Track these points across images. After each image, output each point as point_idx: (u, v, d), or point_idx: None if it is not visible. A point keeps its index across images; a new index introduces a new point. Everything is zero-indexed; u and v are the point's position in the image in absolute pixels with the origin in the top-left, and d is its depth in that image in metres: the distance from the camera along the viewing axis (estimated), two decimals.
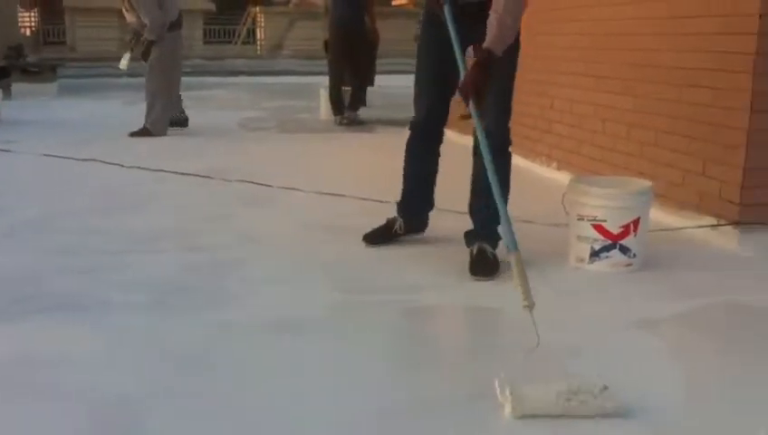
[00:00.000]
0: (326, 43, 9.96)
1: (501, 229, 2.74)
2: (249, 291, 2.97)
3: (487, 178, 2.85)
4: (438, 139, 3.54)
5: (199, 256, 3.40)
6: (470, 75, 2.93)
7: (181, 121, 7.46)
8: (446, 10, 3.07)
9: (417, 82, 3.48)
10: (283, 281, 3.11)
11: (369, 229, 3.60)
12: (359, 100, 8.78)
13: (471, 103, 2.91)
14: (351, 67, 8.52)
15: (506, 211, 2.72)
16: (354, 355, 2.42)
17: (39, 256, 3.41)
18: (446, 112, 3.47)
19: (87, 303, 2.83)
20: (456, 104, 3.35)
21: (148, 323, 2.65)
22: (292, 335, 2.56)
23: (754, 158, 3.38)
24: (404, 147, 3.58)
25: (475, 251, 3.21)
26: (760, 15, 3.29)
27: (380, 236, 3.58)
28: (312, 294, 2.96)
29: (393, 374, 2.30)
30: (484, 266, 3.15)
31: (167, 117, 7.18)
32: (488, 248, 3.21)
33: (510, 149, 3.30)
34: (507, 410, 1.99)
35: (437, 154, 3.56)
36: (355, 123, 8.35)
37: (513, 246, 2.52)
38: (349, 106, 8.62)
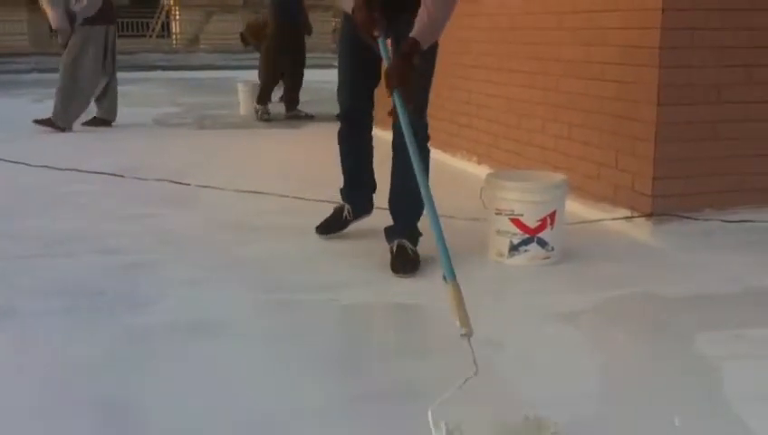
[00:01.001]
0: (243, 36, 9.83)
1: (440, 254, 2.60)
2: (165, 293, 2.90)
3: (408, 174, 2.82)
4: (368, 126, 3.57)
5: (112, 259, 3.29)
6: (394, 65, 2.90)
7: (105, 122, 7.36)
8: (381, 43, 3.03)
9: (340, 74, 3.49)
10: (200, 282, 3.04)
11: (291, 225, 3.57)
12: (294, 99, 8.68)
13: (395, 96, 2.89)
14: (292, 63, 8.40)
15: (442, 236, 2.54)
16: (272, 356, 2.38)
17: None
18: (371, 102, 3.47)
19: None
20: (384, 99, 3.34)
21: (59, 330, 2.55)
22: (210, 338, 2.50)
23: (664, 150, 3.47)
24: (328, 142, 3.59)
25: (395, 248, 3.21)
26: (663, 10, 3.37)
27: (332, 225, 3.59)
28: (229, 295, 2.90)
29: (311, 374, 2.26)
30: (404, 264, 3.14)
31: (73, 110, 7.03)
32: (408, 245, 3.20)
33: (428, 144, 3.31)
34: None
35: (369, 139, 3.60)
36: (299, 117, 8.33)
37: (451, 275, 2.37)
38: (285, 105, 8.51)
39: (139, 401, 2.07)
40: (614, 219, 3.68)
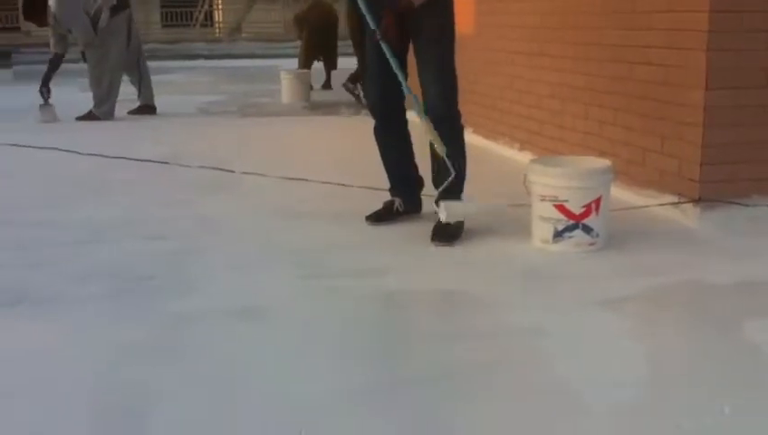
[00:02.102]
0: (298, 24, 9.95)
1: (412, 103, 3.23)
2: (210, 278, 2.94)
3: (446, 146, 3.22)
4: (400, 120, 3.57)
5: (159, 245, 3.34)
6: (384, 21, 3.22)
7: (150, 109, 7.48)
8: (384, 46, 3.24)
9: (368, 67, 3.53)
10: (244, 267, 3.07)
11: (335, 212, 3.66)
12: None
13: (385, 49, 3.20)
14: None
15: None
16: (316, 341, 2.40)
17: None
18: (400, 95, 3.46)
19: (42, 297, 2.77)
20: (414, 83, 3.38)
21: (107, 315, 2.60)
22: (255, 322, 2.53)
23: (711, 135, 3.41)
24: (366, 129, 3.61)
25: (436, 223, 3.32)
26: None
27: (382, 216, 3.61)
28: (274, 280, 2.93)
29: (354, 359, 2.28)
30: (443, 233, 3.27)
31: (110, 100, 7.16)
32: None
33: (460, 121, 3.41)
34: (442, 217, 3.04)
35: (405, 135, 3.61)
36: (353, 95, 8.43)
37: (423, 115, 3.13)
38: (351, 78, 8.63)
39: (185, 385, 2.10)
40: (660, 205, 3.63)
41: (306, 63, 9.90)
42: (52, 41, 7.14)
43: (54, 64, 7.14)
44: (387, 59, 3.31)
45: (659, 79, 3.67)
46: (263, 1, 23.94)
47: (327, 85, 10.15)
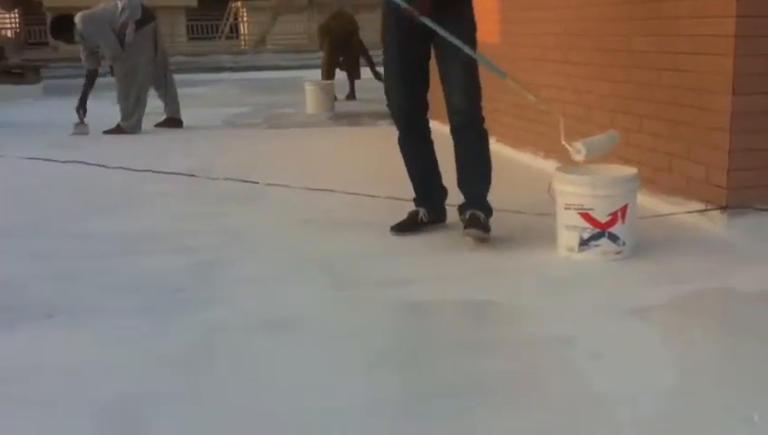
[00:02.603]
0: (321, 34, 10.07)
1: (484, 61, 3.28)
2: (239, 290, 2.96)
3: (472, 152, 3.40)
4: (423, 130, 3.60)
5: (188, 257, 3.38)
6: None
7: (176, 122, 7.55)
8: (427, 21, 3.24)
9: (387, 77, 3.55)
10: (273, 279, 3.10)
11: (361, 222, 3.70)
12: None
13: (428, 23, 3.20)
14: None
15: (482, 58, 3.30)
16: (345, 352, 2.41)
17: (25, 262, 3.38)
18: (423, 103, 3.53)
19: (75, 308, 2.82)
20: (437, 94, 3.40)
21: (139, 327, 2.64)
22: (282, 333, 2.55)
23: (739, 141, 3.38)
24: (392, 139, 3.64)
25: (467, 216, 3.41)
26: None
27: (406, 226, 3.62)
28: (300, 291, 2.95)
29: (384, 369, 2.29)
30: (477, 225, 3.34)
31: (137, 114, 7.25)
32: (480, 214, 3.40)
33: (484, 126, 3.46)
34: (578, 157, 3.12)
35: (429, 145, 3.63)
36: None
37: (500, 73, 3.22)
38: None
39: (216, 396, 2.13)
40: (687, 212, 3.61)
41: (329, 74, 9.97)
42: (83, 57, 7.25)
43: (90, 80, 7.24)
44: (408, 66, 3.40)
45: (686, 85, 3.65)
46: (287, 13, 24.09)
47: (351, 96, 10.21)
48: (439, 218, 3.68)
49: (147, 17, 7.24)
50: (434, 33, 3.26)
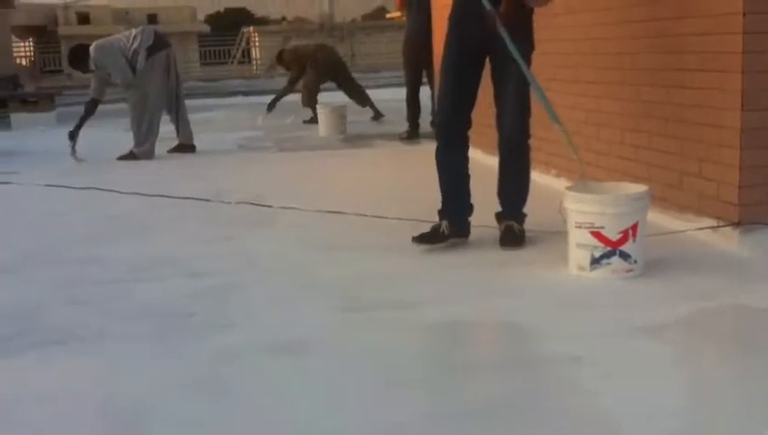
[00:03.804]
0: (298, 62, 10.40)
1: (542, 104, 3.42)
2: (251, 314, 2.97)
3: (513, 164, 3.67)
4: (464, 144, 3.72)
5: (200, 282, 3.39)
6: (504, 5, 3.38)
7: (189, 148, 7.60)
8: (503, 33, 3.36)
9: (443, 86, 3.67)
10: (284, 302, 3.11)
11: (373, 244, 3.79)
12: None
13: (505, 35, 3.32)
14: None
15: (542, 93, 3.43)
16: (360, 374, 2.41)
17: (38, 288, 3.40)
18: (470, 121, 3.66)
19: (87, 334, 2.83)
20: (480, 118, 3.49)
21: (149, 352, 2.65)
22: (296, 357, 2.56)
23: (750, 157, 3.37)
24: (403, 161, 3.70)
25: (503, 228, 3.66)
26: (744, 14, 3.29)
27: (427, 238, 3.66)
28: (316, 314, 2.95)
29: (399, 391, 2.29)
30: (511, 239, 3.60)
31: (150, 140, 7.30)
32: (515, 225, 3.64)
33: (529, 142, 3.68)
34: None
35: (466, 158, 3.74)
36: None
37: (555, 119, 3.36)
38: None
39: (228, 422, 2.13)
40: (699, 229, 3.59)
41: (312, 101, 10.11)
42: (93, 85, 7.33)
43: (89, 111, 7.31)
44: (463, 81, 3.57)
45: (695, 102, 3.65)
46: (298, 37, 24.29)
47: (377, 115, 10.27)
48: (463, 233, 3.71)
49: (160, 44, 7.31)
50: (490, 51, 3.44)
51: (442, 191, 3.73)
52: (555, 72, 5.04)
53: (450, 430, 2.03)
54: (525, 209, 3.72)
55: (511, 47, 3.33)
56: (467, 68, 3.60)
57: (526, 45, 3.52)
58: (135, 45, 7.14)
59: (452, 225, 3.66)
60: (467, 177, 3.74)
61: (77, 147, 7.25)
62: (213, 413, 2.18)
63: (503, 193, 3.73)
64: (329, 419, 2.12)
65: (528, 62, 3.51)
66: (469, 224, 3.73)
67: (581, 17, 4.69)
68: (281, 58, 10.96)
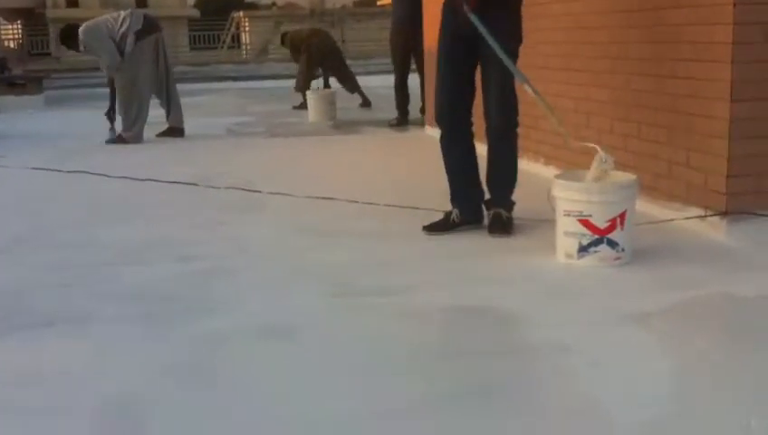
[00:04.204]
0: (295, 48, 10.36)
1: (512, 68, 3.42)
2: (240, 299, 2.97)
3: (501, 153, 3.64)
4: (466, 132, 3.71)
5: (188, 266, 3.39)
6: None
7: (178, 131, 7.57)
8: (473, 18, 3.38)
9: (439, 78, 3.66)
10: (272, 287, 3.11)
11: (364, 230, 3.75)
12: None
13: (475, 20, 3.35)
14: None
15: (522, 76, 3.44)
16: (349, 359, 2.42)
17: (25, 270, 3.40)
18: (468, 106, 3.66)
19: (75, 316, 2.83)
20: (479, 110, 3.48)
21: (137, 335, 2.65)
22: (284, 342, 2.56)
23: (738, 147, 3.39)
24: (397, 147, 3.70)
25: (491, 215, 3.67)
26: (734, 4, 3.30)
27: (437, 226, 3.69)
28: (302, 299, 2.96)
29: (384, 376, 2.30)
30: (500, 227, 3.60)
31: (139, 124, 7.28)
32: (503, 212, 3.65)
33: (517, 130, 3.68)
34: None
35: (470, 146, 3.74)
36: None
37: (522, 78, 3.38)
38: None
39: (216, 406, 2.13)
40: (687, 219, 3.61)
41: (307, 85, 10.08)
42: (102, 65, 7.34)
43: (113, 89, 7.33)
44: (457, 68, 3.56)
45: (685, 92, 3.67)
46: (289, 22, 24.19)
47: (366, 103, 10.26)
48: (476, 219, 3.74)
49: (150, 28, 7.27)
50: (479, 37, 3.40)
51: (449, 179, 3.76)
52: (546, 61, 5.05)
53: (438, 416, 2.04)
54: (513, 197, 3.73)
55: (483, 32, 3.34)
56: (457, 55, 3.60)
57: (508, 37, 3.50)
58: (123, 29, 7.10)
59: (462, 212, 3.70)
60: (474, 165, 3.75)
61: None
62: (201, 396, 2.19)
63: (491, 181, 3.75)
64: (316, 404, 2.13)
65: (515, 55, 3.52)
66: (482, 209, 3.76)
67: (573, 6, 4.69)
68: (283, 41, 11.03)
